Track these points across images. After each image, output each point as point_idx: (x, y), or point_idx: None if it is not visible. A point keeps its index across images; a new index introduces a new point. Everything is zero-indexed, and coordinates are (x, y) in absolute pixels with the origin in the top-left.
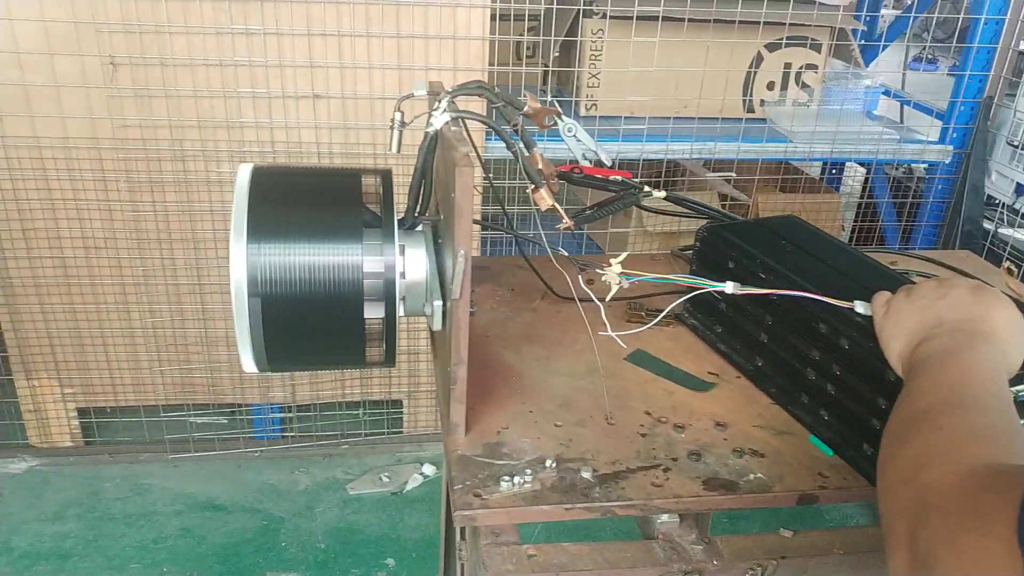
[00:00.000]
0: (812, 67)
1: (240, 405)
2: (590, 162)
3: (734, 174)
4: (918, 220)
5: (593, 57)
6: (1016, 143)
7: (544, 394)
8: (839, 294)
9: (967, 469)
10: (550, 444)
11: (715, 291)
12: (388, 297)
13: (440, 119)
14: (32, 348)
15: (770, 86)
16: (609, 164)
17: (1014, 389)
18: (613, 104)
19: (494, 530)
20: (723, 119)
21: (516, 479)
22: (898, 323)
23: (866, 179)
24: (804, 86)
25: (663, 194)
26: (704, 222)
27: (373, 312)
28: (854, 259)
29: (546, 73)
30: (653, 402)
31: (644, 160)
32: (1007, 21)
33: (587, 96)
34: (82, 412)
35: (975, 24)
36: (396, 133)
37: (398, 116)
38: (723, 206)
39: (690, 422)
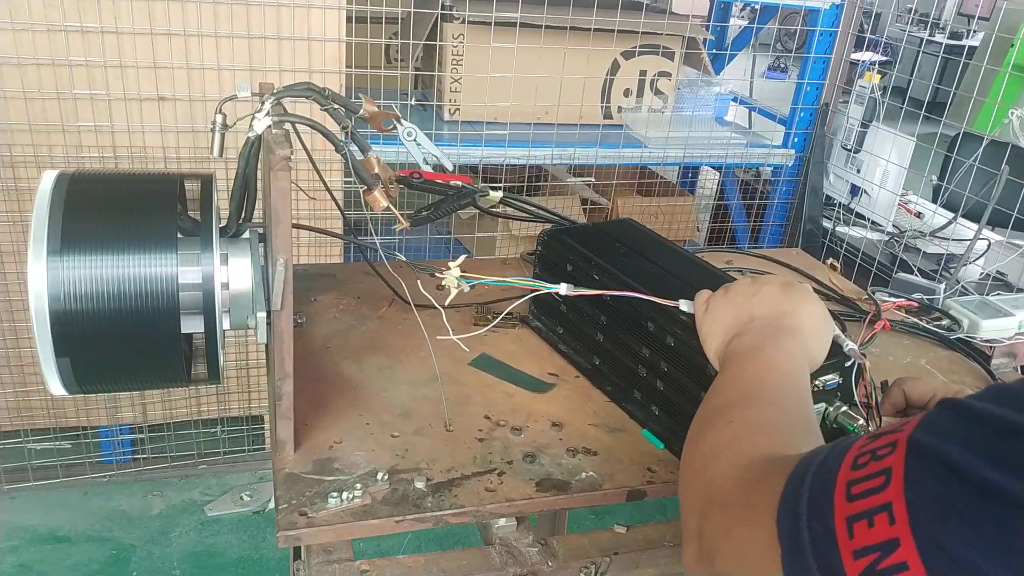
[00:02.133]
0: (666, 75)
1: (85, 428)
2: (431, 167)
3: (594, 179)
4: (765, 220)
5: (454, 62)
6: (849, 147)
7: (383, 405)
8: (667, 294)
9: (747, 462)
10: (385, 456)
11: (553, 293)
12: (207, 309)
13: (262, 123)
14: None
15: (627, 93)
16: (451, 168)
17: (819, 380)
18: (476, 109)
19: (326, 548)
20: (582, 125)
21: (345, 495)
22: (715, 320)
23: (719, 182)
24: (659, 93)
25: (500, 195)
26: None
27: (193, 326)
28: (684, 260)
29: (417, 78)
30: (493, 406)
31: (507, 165)
32: (839, 33)
33: (450, 101)
34: None
35: (811, 35)
36: (218, 136)
37: (219, 119)
38: (584, 210)
39: (528, 424)
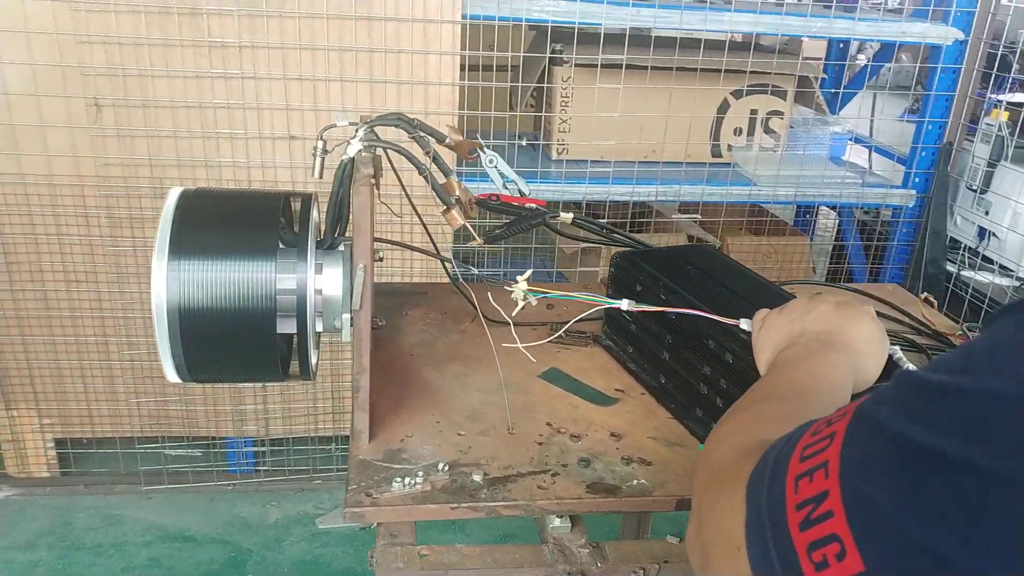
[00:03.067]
0: (777, 113)
1: (214, 438)
2: (510, 192)
3: (700, 216)
4: (884, 263)
5: (563, 104)
6: (975, 187)
7: (454, 407)
8: (730, 313)
9: (747, 445)
10: (449, 451)
11: (619, 311)
12: (300, 312)
13: (354, 147)
14: (12, 379)
15: (737, 131)
16: (528, 193)
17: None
18: (583, 148)
19: (392, 531)
20: (689, 163)
21: (408, 480)
22: (769, 335)
23: (837, 223)
24: (770, 131)
25: (571, 217)
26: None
27: (288, 327)
28: (754, 284)
29: (527, 119)
30: (556, 414)
31: (611, 201)
32: (963, 70)
33: (558, 141)
34: (59, 443)
35: (932, 72)
36: (319, 160)
37: (320, 145)
38: None
39: (588, 432)
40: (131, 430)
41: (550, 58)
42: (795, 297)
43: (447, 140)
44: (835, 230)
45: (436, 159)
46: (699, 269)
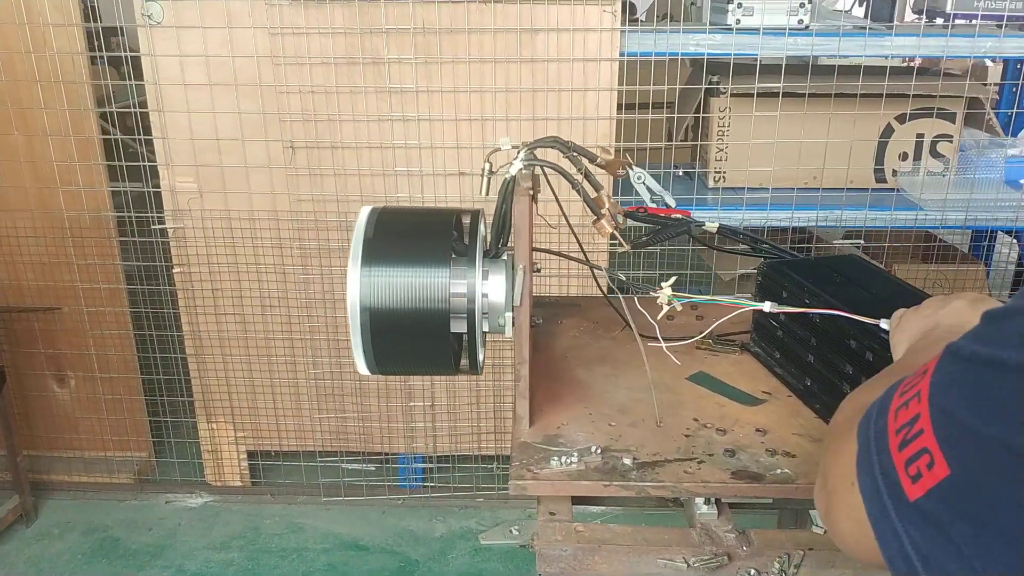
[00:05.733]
0: (946, 137)
1: (387, 454)
2: (658, 206)
3: (863, 241)
4: None
5: (720, 133)
6: None
7: (605, 401)
8: (871, 314)
9: (863, 402)
10: (601, 438)
11: (774, 316)
12: (469, 313)
13: (516, 166)
14: (213, 395)
15: (903, 156)
16: (673, 206)
17: None
18: (740, 175)
19: (551, 510)
20: (850, 188)
21: (565, 460)
22: (904, 330)
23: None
24: (938, 155)
25: (716, 226)
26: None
27: (460, 327)
28: (895, 286)
29: (693, 148)
30: (703, 412)
31: (768, 227)
32: None
33: (715, 169)
34: (250, 455)
35: None
36: (486, 180)
37: (487, 166)
38: None
39: (733, 428)
40: (313, 445)
41: (707, 89)
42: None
43: (598, 159)
44: (1016, 257)
45: (588, 175)
46: (845, 276)
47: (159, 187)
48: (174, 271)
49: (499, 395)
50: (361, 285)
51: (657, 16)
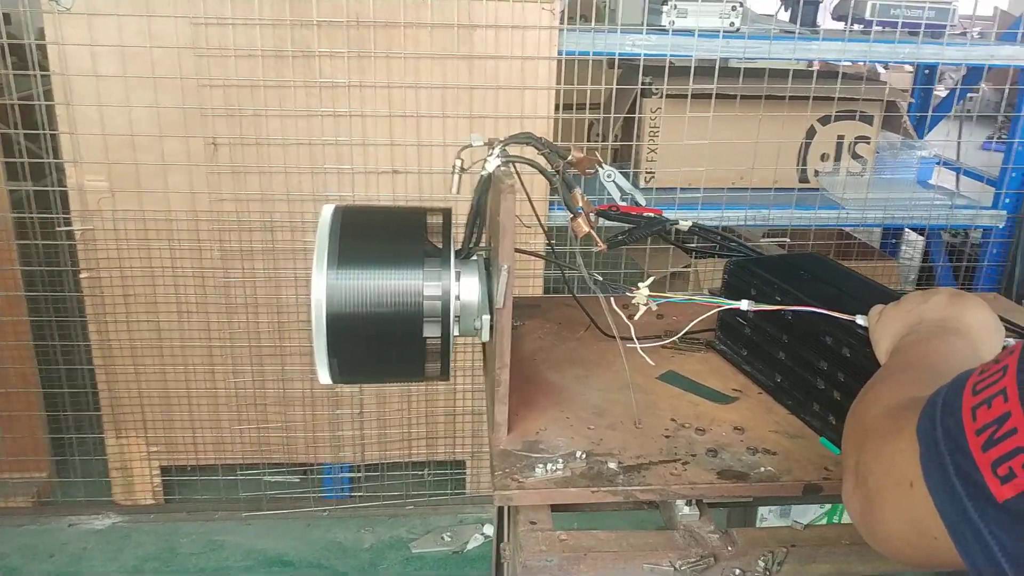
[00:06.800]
0: (864, 139)
1: (312, 464)
2: (628, 204)
3: (788, 239)
4: (975, 284)
5: (651, 133)
6: None
7: (580, 404)
8: (845, 311)
9: (897, 402)
10: (582, 442)
11: (740, 314)
12: (444, 316)
13: (493, 163)
14: (124, 408)
15: (824, 157)
16: (644, 204)
17: None
18: (670, 175)
19: (531, 519)
20: (777, 188)
21: (549, 466)
22: (886, 326)
23: (925, 245)
24: (857, 156)
25: (689, 224)
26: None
27: (431, 331)
28: (864, 285)
29: (616, 149)
30: (679, 411)
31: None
32: None
33: (646, 170)
34: (164, 470)
35: (1021, 94)
36: (457, 177)
37: (458, 163)
38: None
39: (711, 427)
40: (233, 457)
41: (640, 90)
42: (902, 294)
43: (570, 157)
44: (922, 253)
45: (563, 173)
46: (812, 274)
47: (65, 186)
48: (81, 276)
49: (431, 400)
50: (328, 289)
51: (572, 18)
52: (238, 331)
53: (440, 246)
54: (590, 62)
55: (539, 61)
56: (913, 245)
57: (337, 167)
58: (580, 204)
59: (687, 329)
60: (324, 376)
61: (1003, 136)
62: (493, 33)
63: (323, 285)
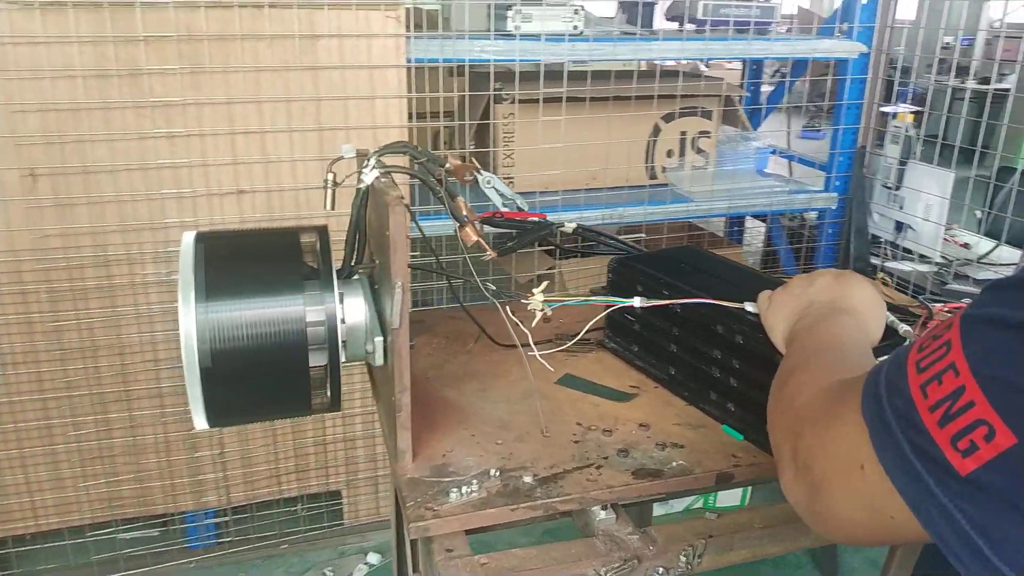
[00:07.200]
0: (706, 134)
1: (172, 514)
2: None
3: (644, 235)
4: (815, 263)
5: (506, 139)
6: (890, 185)
7: (484, 419)
8: (731, 299)
9: (827, 387)
10: (493, 459)
11: (628, 310)
12: (331, 343)
13: (370, 175)
14: None
15: (669, 153)
16: (526, 209)
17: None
18: (528, 179)
19: (447, 547)
20: (630, 186)
21: (464, 489)
22: (778, 311)
23: (766, 231)
24: (700, 151)
25: (574, 226)
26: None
27: (318, 359)
28: (743, 273)
29: (471, 156)
30: (583, 414)
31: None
32: (868, 80)
33: (503, 175)
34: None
35: (842, 84)
36: (330, 192)
37: (331, 177)
38: None
39: (616, 427)
40: (80, 518)
41: (492, 96)
42: (779, 281)
43: (447, 165)
44: (764, 238)
45: (444, 182)
46: (692, 265)
47: None
48: None
49: (298, 432)
50: (198, 325)
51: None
52: (76, 379)
53: (318, 267)
54: (440, 69)
55: (388, 70)
56: (752, 232)
57: (177, 191)
58: (465, 213)
59: (586, 330)
60: (200, 422)
61: (815, 125)
62: (337, 42)
63: (192, 320)
